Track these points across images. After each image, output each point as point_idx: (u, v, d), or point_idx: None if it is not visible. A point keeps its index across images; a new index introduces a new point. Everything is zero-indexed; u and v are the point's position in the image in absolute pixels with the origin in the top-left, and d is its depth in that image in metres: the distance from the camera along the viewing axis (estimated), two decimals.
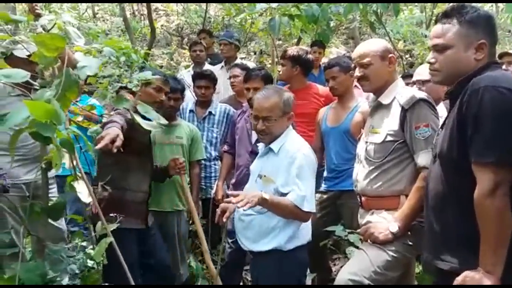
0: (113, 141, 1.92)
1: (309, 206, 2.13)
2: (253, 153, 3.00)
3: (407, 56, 9.00)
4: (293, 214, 2.12)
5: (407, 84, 3.68)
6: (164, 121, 2.29)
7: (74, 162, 1.92)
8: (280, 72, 3.47)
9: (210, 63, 4.99)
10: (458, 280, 1.51)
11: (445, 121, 1.71)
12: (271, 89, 2.32)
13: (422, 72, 2.75)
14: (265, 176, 2.22)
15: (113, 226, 1.99)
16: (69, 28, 1.96)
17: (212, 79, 3.74)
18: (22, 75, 1.64)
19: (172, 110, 3.18)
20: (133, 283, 1.86)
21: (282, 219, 2.16)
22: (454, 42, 1.63)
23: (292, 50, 3.42)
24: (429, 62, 1.70)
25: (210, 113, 3.70)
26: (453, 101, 1.63)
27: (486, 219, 1.45)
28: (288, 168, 2.14)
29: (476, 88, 1.48)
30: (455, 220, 1.59)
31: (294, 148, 2.19)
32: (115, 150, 1.92)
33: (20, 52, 2.04)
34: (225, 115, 3.73)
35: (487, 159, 1.44)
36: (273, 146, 2.23)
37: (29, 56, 1.90)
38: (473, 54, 1.63)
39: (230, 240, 3.11)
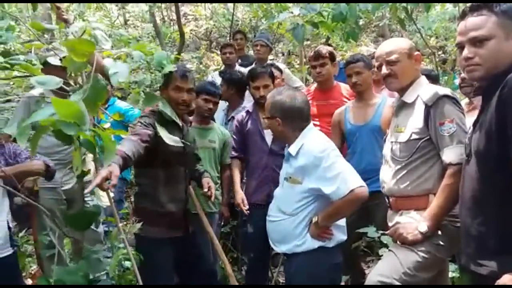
0: (107, 179, 1.77)
1: (352, 184, 2.04)
2: (272, 153, 2.98)
3: (439, 52, 8.75)
4: (346, 205, 2.08)
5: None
6: (177, 141, 2.23)
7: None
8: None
9: (241, 65, 4.95)
10: (499, 283, 1.44)
11: (478, 118, 1.64)
12: (283, 88, 2.35)
13: None
14: (290, 177, 2.21)
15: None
16: (96, 32, 2.01)
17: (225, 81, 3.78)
18: (56, 81, 1.70)
19: (209, 113, 3.22)
20: None
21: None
22: (495, 33, 1.56)
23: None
24: (467, 58, 1.60)
25: (233, 117, 3.65)
26: (488, 97, 1.57)
27: None
28: (314, 169, 2.10)
29: None
30: (494, 222, 1.52)
31: (316, 150, 2.13)
32: (112, 189, 1.84)
33: (54, 60, 2.11)
34: None
35: None
36: (291, 150, 2.21)
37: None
38: None
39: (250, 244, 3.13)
